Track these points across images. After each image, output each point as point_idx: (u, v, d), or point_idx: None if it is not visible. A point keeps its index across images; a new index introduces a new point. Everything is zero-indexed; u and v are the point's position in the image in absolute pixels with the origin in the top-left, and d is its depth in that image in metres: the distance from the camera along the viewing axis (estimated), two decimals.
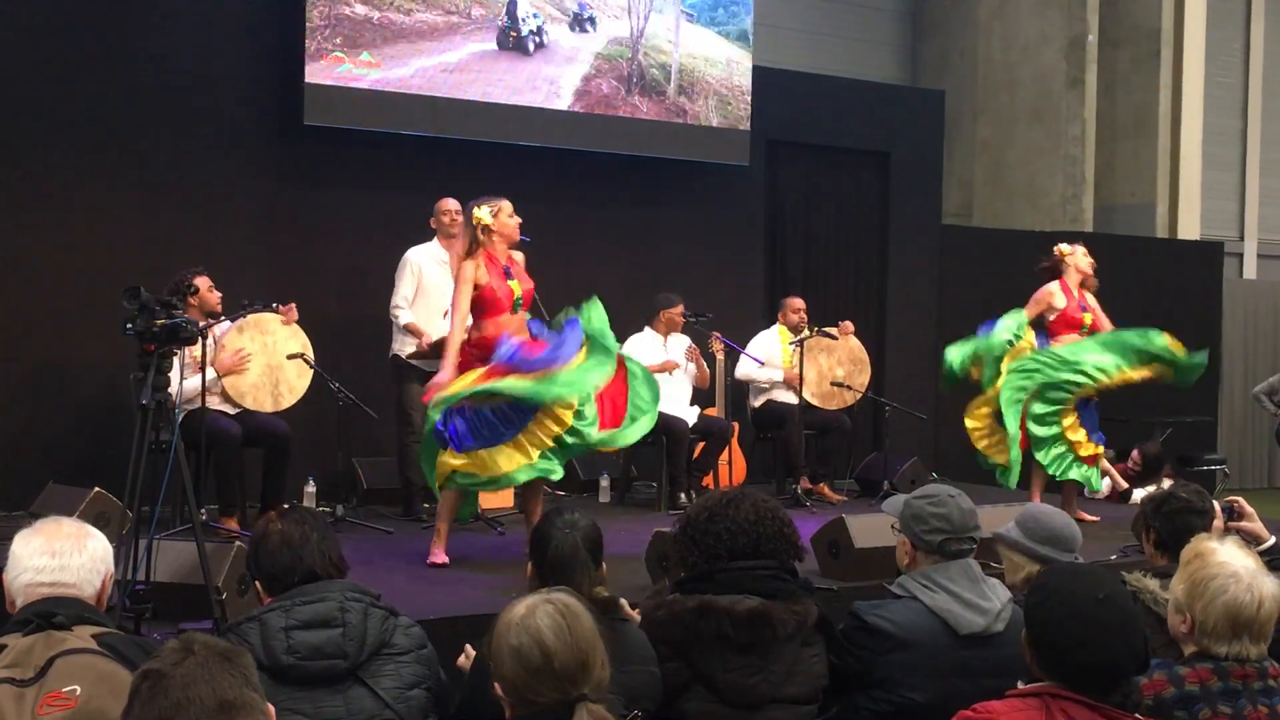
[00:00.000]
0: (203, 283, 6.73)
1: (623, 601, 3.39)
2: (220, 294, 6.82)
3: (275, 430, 6.89)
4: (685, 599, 3.29)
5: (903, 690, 3.33)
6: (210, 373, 6.67)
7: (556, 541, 3.28)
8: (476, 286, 5.95)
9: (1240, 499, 4.22)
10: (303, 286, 7.86)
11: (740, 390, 8.95)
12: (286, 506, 3.35)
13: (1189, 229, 13.09)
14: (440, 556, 6.07)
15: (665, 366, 8.27)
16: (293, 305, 7.05)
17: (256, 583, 3.13)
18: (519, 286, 6.10)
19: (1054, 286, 7.77)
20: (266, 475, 6.91)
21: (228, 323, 6.87)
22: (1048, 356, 7.56)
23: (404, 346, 7.46)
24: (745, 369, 8.76)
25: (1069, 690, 2.59)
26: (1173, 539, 3.79)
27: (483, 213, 6.01)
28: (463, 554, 6.18)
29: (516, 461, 5.86)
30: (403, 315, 7.40)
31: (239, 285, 7.01)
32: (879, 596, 3.59)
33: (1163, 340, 7.52)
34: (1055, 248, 7.90)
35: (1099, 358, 7.47)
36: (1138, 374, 7.53)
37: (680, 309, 8.45)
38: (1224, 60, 14.48)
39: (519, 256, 6.23)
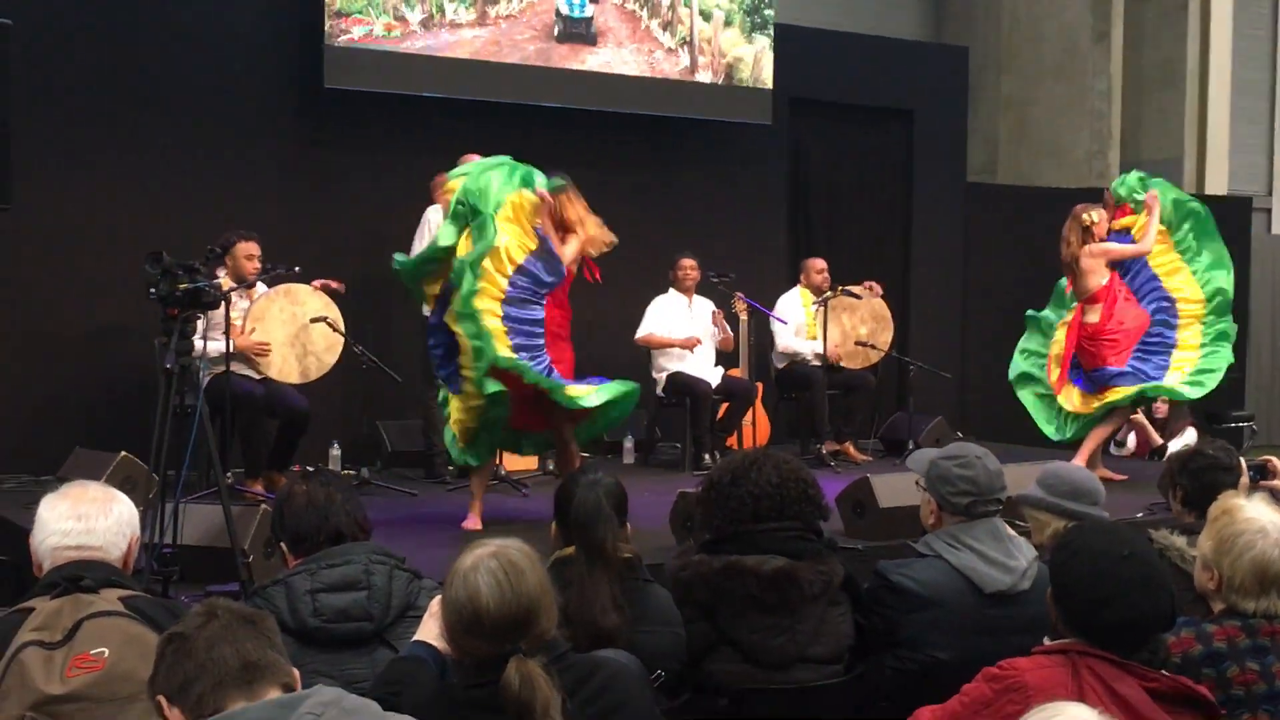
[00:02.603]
0: (243, 249, 6.69)
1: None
2: (258, 267, 6.76)
3: (294, 405, 6.78)
4: (711, 560, 3.29)
5: (928, 649, 3.33)
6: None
7: (579, 498, 3.29)
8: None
9: (1272, 458, 4.20)
10: (325, 249, 7.87)
11: (764, 351, 8.92)
12: (311, 469, 3.36)
13: (1217, 184, 12.95)
14: (475, 522, 6.08)
15: (687, 344, 8.23)
16: (341, 284, 7.09)
17: (282, 544, 3.15)
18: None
19: None
20: (278, 443, 6.85)
21: (262, 287, 6.87)
22: None
23: None
24: (786, 340, 8.72)
25: (1095, 647, 2.58)
26: (1200, 496, 3.77)
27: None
28: (487, 516, 6.17)
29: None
30: None
31: (261, 248, 6.98)
32: (904, 556, 3.57)
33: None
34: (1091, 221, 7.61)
35: None
36: None
37: (689, 262, 8.35)
38: (1253, 12, 14.27)
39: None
